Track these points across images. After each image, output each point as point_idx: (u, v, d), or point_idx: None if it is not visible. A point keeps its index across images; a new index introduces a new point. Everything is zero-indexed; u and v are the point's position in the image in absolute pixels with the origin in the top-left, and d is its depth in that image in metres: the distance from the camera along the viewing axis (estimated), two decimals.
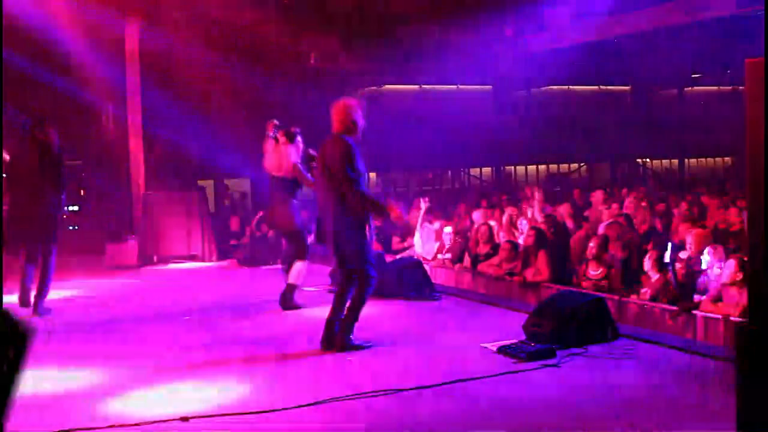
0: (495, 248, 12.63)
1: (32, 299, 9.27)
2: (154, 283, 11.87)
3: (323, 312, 7.67)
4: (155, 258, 13.92)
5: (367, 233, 7.09)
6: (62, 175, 9.29)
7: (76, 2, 14.23)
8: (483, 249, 12.86)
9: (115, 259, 13.47)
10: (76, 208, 15.37)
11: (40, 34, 14.42)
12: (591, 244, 11.04)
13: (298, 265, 9.26)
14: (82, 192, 14.73)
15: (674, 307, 9.49)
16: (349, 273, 7.27)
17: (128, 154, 14.90)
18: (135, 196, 14.77)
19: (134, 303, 10.22)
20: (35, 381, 5.98)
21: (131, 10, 14.68)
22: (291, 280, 9.30)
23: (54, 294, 9.81)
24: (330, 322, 7.25)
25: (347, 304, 7.23)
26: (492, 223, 13.53)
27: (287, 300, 9.28)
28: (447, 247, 13.64)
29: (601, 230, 11.92)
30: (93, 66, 15.02)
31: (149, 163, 14.98)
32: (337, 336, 7.16)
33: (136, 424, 5.34)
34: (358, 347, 7.15)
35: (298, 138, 9.35)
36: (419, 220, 14.08)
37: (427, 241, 14.03)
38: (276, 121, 9.69)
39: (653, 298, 10.00)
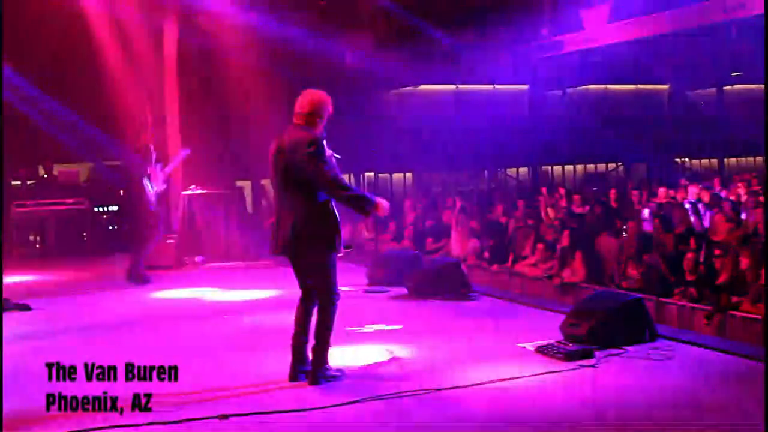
0: (533, 249, 12.61)
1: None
2: (191, 283, 11.93)
3: (359, 309, 7.69)
4: (193, 258, 14.01)
5: (336, 244, 6.17)
6: (150, 177, 11.39)
7: (115, 5, 14.41)
8: (522, 249, 12.85)
9: (153, 259, 13.55)
10: (115, 208, 15.54)
11: (82, 36, 14.62)
12: (630, 244, 10.97)
13: None
14: (121, 192, 14.86)
15: (709, 308, 9.41)
16: (308, 288, 6.38)
17: (167, 154, 15.01)
18: (174, 196, 14.88)
19: (172, 302, 10.31)
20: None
21: (169, 13, 14.82)
22: None
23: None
24: (296, 347, 6.37)
25: (312, 332, 6.29)
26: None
27: None
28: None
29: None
30: (132, 67, 15.17)
31: (188, 163, 15.09)
32: (312, 368, 6.26)
33: (175, 422, 5.40)
34: (332, 377, 6.28)
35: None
36: (454, 220, 14.08)
37: (462, 241, 14.01)
38: None
39: (691, 299, 9.91)
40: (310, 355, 6.32)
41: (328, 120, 6.27)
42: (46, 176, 16.38)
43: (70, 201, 15.11)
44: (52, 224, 15.06)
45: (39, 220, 14.90)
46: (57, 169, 16.47)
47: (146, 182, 11.44)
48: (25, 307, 9.65)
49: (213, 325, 8.68)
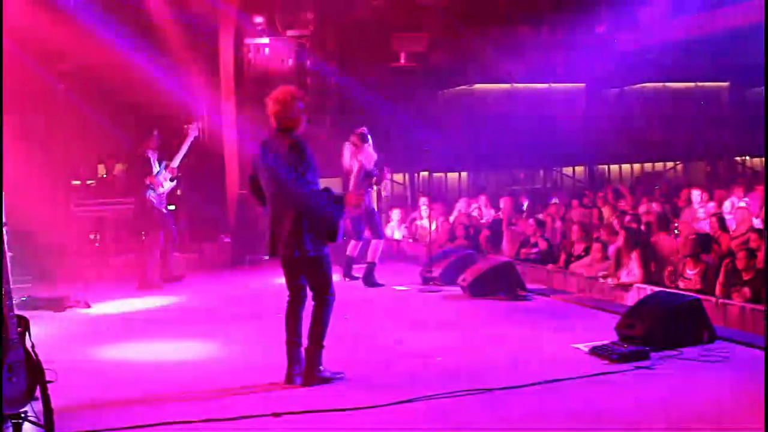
0: (588, 248, 12.47)
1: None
2: (247, 282, 12.02)
3: (413, 308, 7.66)
4: (248, 258, 14.09)
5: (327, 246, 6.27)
6: (145, 176, 11.20)
7: (172, 8, 14.56)
8: (577, 249, 12.72)
9: (210, 258, 13.70)
10: (172, 207, 15.73)
11: (138, 37, 14.80)
12: (689, 244, 10.79)
13: (374, 244, 10.69)
14: (178, 192, 15.01)
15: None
16: (298, 289, 6.43)
17: (223, 154, 15.13)
18: (230, 196, 15.00)
19: (230, 300, 10.40)
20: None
21: (224, 17, 14.95)
22: (370, 258, 10.67)
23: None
24: (290, 349, 6.33)
25: (311, 330, 6.26)
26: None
27: (370, 278, 10.65)
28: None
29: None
30: (189, 68, 15.30)
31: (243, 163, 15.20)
32: (305, 368, 6.22)
33: (230, 419, 5.46)
34: (328, 380, 6.24)
35: (369, 140, 10.56)
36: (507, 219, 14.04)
37: (516, 240, 13.92)
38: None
39: (746, 299, 9.72)
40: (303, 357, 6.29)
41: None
42: (106, 176, 16.61)
43: (130, 201, 15.31)
44: (112, 224, 15.25)
45: (98, 220, 15.11)
46: (117, 168, 16.67)
47: (149, 193, 11.32)
48: (85, 305, 9.84)
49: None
